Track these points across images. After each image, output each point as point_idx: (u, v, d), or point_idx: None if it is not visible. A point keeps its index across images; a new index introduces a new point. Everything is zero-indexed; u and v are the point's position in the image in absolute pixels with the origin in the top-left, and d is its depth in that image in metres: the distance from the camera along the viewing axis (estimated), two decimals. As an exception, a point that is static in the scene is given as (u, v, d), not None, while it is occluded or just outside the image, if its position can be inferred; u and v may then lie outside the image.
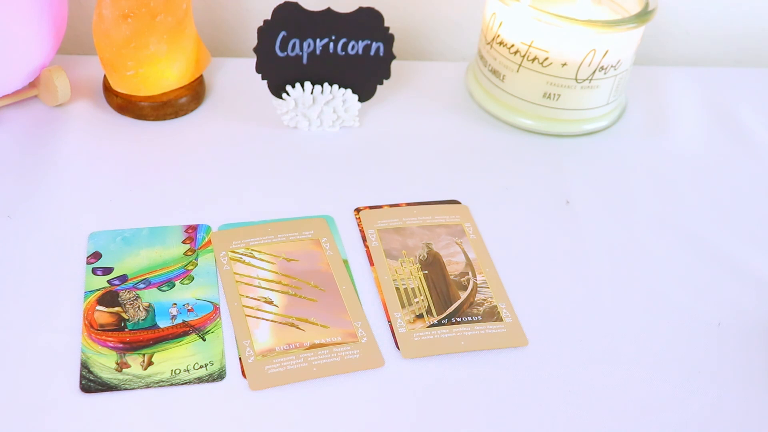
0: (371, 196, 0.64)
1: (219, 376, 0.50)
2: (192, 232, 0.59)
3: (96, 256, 0.56)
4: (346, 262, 0.58)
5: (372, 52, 0.67)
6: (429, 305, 0.56)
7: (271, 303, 0.55)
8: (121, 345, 0.51)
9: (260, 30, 0.65)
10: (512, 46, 0.68)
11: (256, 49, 0.66)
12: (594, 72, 0.67)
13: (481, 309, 0.56)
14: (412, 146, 0.69)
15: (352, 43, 0.66)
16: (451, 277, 0.58)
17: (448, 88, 0.76)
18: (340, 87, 0.68)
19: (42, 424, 0.47)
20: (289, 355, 0.51)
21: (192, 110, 0.70)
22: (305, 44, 0.66)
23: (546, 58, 0.67)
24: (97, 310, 0.53)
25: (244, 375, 0.50)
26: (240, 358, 0.51)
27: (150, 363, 0.50)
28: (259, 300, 0.55)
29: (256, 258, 0.57)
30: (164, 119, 0.69)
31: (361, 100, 0.69)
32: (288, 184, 0.64)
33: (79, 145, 0.65)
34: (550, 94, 0.69)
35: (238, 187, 0.63)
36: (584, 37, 0.65)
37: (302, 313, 0.54)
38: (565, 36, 0.65)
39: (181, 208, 0.61)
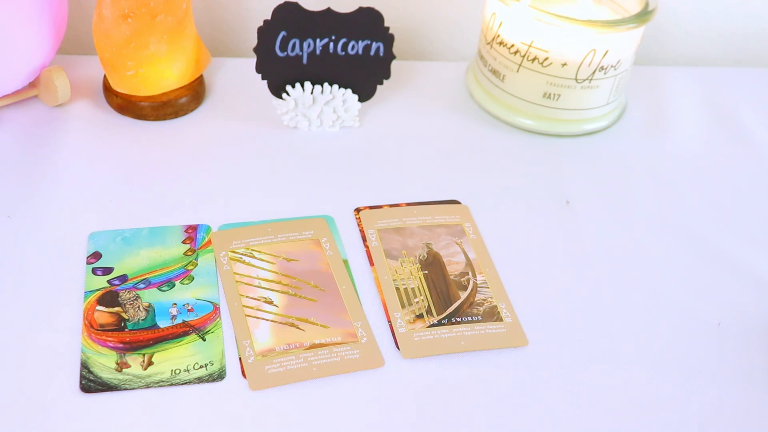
0: (371, 196, 0.64)
1: (219, 376, 0.50)
2: (192, 232, 0.59)
3: (96, 256, 0.56)
4: (346, 262, 0.58)
5: (372, 52, 0.67)
6: (429, 305, 0.56)
7: (271, 303, 0.55)
8: (121, 345, 0.51)
9: (260, 30, 0.65)
10: (512, 46, 0.68)
11: (256, 49, 0.66)
12: (594, 72, 0.67)
13: (481, 309, 0.56)
14: (412, 146, 0.69)
15: (352, 43, 0.66)
16: (451, 277, 0.58)
17: (448, 88, 0.76)
18: (340, 87, 0.68)
19: (42, 424, 0.47)
20: (289, 355, 0.51)
21: (192, 110, 0.70)
22: (305, 44, 0.66)
23: (546, 58, 0.67)
24: (97, 310, 0.53)
25: (244, 375, 0.50)
26: (240, 358, 0.51)
27: (150, 363, 0.50)
28: (259, 300, 0.55)
29: (256, 258, 0.57)
30: (164, 119, 0.69)
31: (361, 100, 0.69)
32: (288, 184, 0.64)
33: (79, 145, 0.65)
34: (550, 94, 0.69)
35: (238, 187, 0.63)
36: (584, 37, 0.65)
37: (302, 313, 0.54)
38: (565, 36, 0.65)
39: (181, 208, 0.61)
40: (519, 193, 0.65)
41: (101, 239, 0.57)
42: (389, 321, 0.54)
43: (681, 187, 0.68)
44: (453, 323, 0.54)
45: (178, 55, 0.66)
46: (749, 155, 0.72)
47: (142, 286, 0.55)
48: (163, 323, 0.53)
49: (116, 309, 0.53)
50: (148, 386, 0.49)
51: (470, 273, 0.58)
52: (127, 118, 0.68)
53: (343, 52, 0.66)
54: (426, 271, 0.58)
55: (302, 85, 0.67)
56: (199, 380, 0.50)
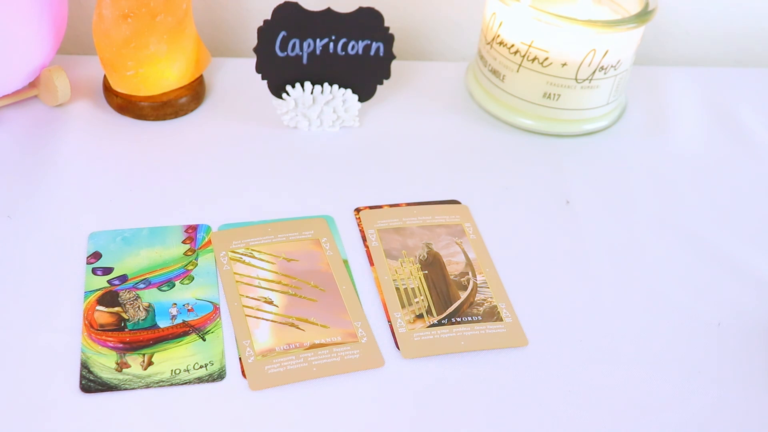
0: (371, 196, 0.64)
1: (219, 376, 0.50)
2: (192, 232, 0.59)
3: (96, 256, 0.56)
4: (346, 262, 0.58)
5: (372, 52, 0.67)
6: (429, 305, 0.56)
7: (271, 303, 0.55)
8: (121, 345, 0.51)
9: (260, 30, 0.65)
10: (512, 46, 0.68)
11: (256, 49, 0.66)
12: (594, 72, 0.67)
13: (481, 309, 0.56)
14: (412, 146, 0.69)
15: (352, 43, 0.66)
16: (451, 277, 0.58)
17: (448, 88, 0.76)
18: (340, 87, 0.68)
19: (42, 424, 0.47)
20: (289, 355, 0.51)
21: (192, 110, 0.70)
22: (305, 44, 0.66)
23: (546, 58, 0.67)
24: (97, 310, 0.53)
25: (244, 375, 0.50)
26: (240, 358, 0.51)
27: (150, 363, 0.50)
28: (259, 300, 0.55)
29: (256, 258, 0.57)
30: (164, 119, 0.69)
31: (361, 100, 0.69)
32: (288, 184, 0.64)
33: (79, 145, 0.65)
34: (550, 94, 0.69)
35: (238, 187, 0.63)
36: (584, 37, 0.65)
37: (302, 313, 0.54)
38: (565, 36, 0.65)
39: (181, 208, 0.61)
40: (519, 193, 0.65)
41: (101, 239, 0.57)
42: (389, 321, 0.54)
43: (681, 187, 0.68)
44: (453, 323, 0.54)
45: (178, 55, 0.66)
46: (749, 155, 0.72)
47: (142, 286, 0.55)
48: (163, 323, 0.53)
49: (116, 309, 0.53)
50: (148, 386, 0.49)
51: (470, 273, 0.58)
52: (127, 118, 0.68)
53: (343, 52, 0.66)
54: (426, 271, 0.58)
55: (302, 85, 0.67)
56: (199, 380, 0.50)
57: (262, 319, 0.53)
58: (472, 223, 0.62)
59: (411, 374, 0.52)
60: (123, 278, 0.55)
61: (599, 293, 0.58)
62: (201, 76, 0.71)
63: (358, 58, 0.67)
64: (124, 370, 0.50)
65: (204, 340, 0.52)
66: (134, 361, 0.50)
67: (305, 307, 0.54)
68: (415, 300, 0.56)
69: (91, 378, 0.49)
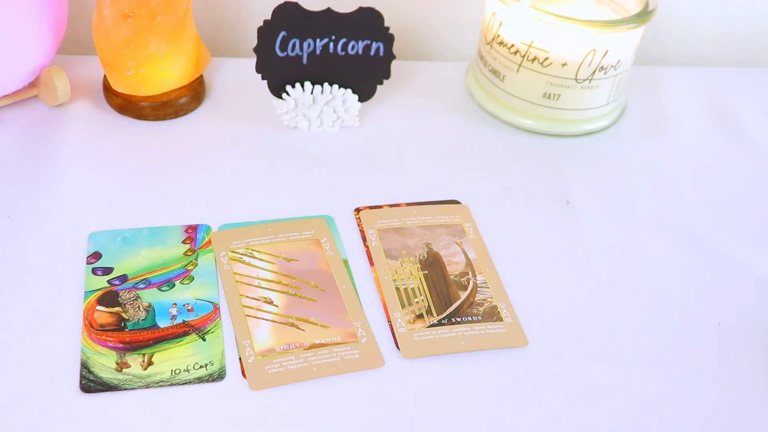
0: (371, 196, 0.64)
1: (219, 376, 0.50)
2: (192, 232, 0.59)
3: (96, 256, 0.56)
4: (346, 262, 0.58)
5: (372, 52, 0.67)
6: (429, 305, 0.56)
7: (271, 303, 0.55)
8: (121, 345, 0.51)
9: (260, 30, 0.65)
10: (512, 46, 0.68)
11: (256, 49, 0.66)
12: (594, 72, 0.67)
13: (481, 309, 0.56)
14: (412, 146, 0.69)
15: (352, 43, 0.66)
16: (451, 277, 0.58)
17: (448, 88, 0.76)
18: (340, 87, 0.68)
19: (42, 424, 0.47)
20: (289, 355, 0.51)
21: (192, 110, 0.70)
22: (305, 44, 0.66)
23: (546, 58, 0.67)
24: (97, 310, 0.53)
25: (244, 375, 0.50)
26: (240, 358, 0.51)
27: (150, 363, 0.50)
28: (259, 300, 0.55)
29: (256, 258, 0.57)
30: (164, 119, 0.69)
31: (361, 100, 0.69)
32: (288, 184, 0.64)
33: (79, 145, 0.65)
34: (550, 94, 0.69)
35: (238, 187, 0.63)
36: (584, 37, 0.65)
37: (302, 313, 0.54)
38: (565, 36, 0.65)
39: (181, 208, 0.61)
40: (519, 193, 0.65)
41: (101, 239, 0.57)
42: (389, 321, 0.54)
43: (681, 187, 0.68)
44: (453, 323, 0.54)
45: (178, 55, 0.66)
46: (749, 155, 0.72)
47: (142, 286, 0.55)
48: (163, 323, 0.53)
49: (116, 309, 0.53)
50: (148, 386, 0.49)
51: (470, 273, 0.58)
52: (127, 118, 0.68)
53: (343, 52, 0.66)
54: (426, 271, 0.58)
55: (302, 85, 0.67)
56: (199, 380, 0.50)
57: (262, 319, 0.53)
58: (472, 223, 0.62)
59: (411, 374, 0.52)
60: (123, 278, 0.55)
61: (599, 293, 0.58)
62: (201, 76, 0.71)
63: (358, 58, 0.67)
64: (124, 370, 0.50)
65: (204, 340, 0.52)
66: (134, 361, 0.50)
67: (305, 307, 0.54)
68: (415, 300, 0.56)
69: (91, 378, 0.49)
